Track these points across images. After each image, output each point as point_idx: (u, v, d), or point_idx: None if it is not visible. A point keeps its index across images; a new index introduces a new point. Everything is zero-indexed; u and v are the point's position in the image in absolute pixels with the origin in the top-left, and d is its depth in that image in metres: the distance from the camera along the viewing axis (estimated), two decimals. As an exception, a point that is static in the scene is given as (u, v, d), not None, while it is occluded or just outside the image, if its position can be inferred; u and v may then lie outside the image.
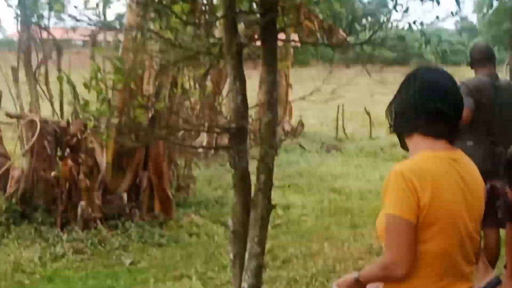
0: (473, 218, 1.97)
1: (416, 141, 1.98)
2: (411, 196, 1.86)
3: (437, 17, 4.41)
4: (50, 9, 6.03)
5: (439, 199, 1.89)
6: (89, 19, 5.22)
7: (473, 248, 1.99)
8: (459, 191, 1.94)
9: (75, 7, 5.57)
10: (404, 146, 2.10)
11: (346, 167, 9.73)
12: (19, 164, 5.94)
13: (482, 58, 4.69)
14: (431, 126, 1.96)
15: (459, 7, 4.53)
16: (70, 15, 5.11)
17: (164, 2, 4.61)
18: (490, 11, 11.03)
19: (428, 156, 1.94)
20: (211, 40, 4.60)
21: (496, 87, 4.37)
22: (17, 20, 6.18)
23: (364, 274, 2.06)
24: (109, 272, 4.88)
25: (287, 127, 11.77)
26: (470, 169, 2.03)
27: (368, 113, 12.28)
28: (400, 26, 4.23)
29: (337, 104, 11.67)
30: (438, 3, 4.00)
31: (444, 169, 1.95)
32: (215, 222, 6.39)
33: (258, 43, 3.79)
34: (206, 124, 6.96)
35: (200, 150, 8.90)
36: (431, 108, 1.93)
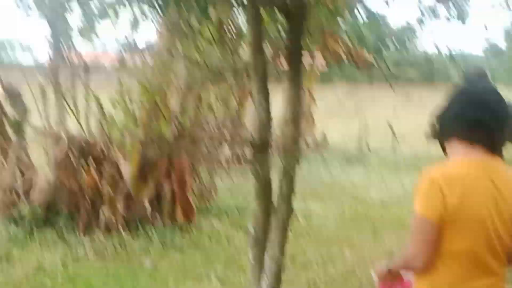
0: (503, 221, 2.01)
1: (453, 146, 2.06)
2: (436, 199, 1.94)
3: (463, 41, 4.62)
4: (81, 35, 6.12)
5: (468, 201, 1.96)
6: (118, 43, 5.56)
7: (503, 248, 2.04)
8: (489, 195, 1.99)
9: (105, 33, 6.03)
10: (445, 152, 2.17)
11: (367, 178, 9.82)
12: (45, 174, 6.11)
13: None
14: (469, 133, 2.02)
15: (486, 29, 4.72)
16: (100, 40, 5.59)
17: (188, 23, 4.90)
18: None
19: (462, 161, 2.02)
20: (237, 60, 4.94)
21: None
22: (49, 45, 6.44)
23: (393, 263, 2.22)
24: (130, 274, 4.97)
25: (310, 141, 11.97)
26: (506, 177, 2.07)
27: (391, 127, 12.43)
28: (428, 48, 4.53)
29: (360, 119, 11.87)
30: (464, 22, 4.37)
31: (476, 174, 2.01)
32: (235, 227, 6.46)
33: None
34: (229, 137, 7.22)
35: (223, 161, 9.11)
36: (470, 116, 2.00)
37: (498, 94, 2.08)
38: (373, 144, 13.34)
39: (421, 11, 4.34)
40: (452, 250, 1.99)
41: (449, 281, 2.03)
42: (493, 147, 2.05)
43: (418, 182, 2.02)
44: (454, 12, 4.19)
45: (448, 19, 4.23)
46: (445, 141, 2.09)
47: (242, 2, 3.97)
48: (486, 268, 2.03)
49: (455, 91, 2.17)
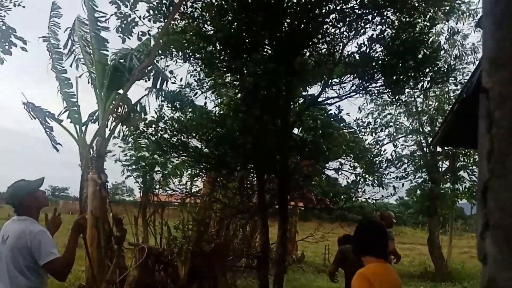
0: None
1: (367, 259, 2.62)
2: (367, 285, 2.47)
3: (382, 196, 5.80)
4: (160, 186, 7.74)
5: (383, 286, 2.54)
6: (180, 190, 7.49)
7: None
8: (393, 281, 2.65)
9: (173, 183, 7.54)
10: (360, 261, 2.69)
11: (330, 283, 11.03)
12: (132, 273, 6.64)
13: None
14: (376, 252, 2.63)
15: (395, 191, 5.80)
16: (171, 189, 7.22)
17: (223, 180, 6.73)
18: (418, 193, 14.29)
19: (376, 265, 2.58)
20: (250, 203, 6.26)
21: None
22: (140, 190, 7.96)
23: None
24: None
25: (293, 257, 13.70)
26: (393, 271, 2.77)
27: None
28: (363, 199, 5.77)
29: (325, 244, 13.85)
30: (383, 187, 5.53)
31: (385, 271, 2.63)
32: None
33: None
34: (245, 252, 8.36)
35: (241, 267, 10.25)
36: (375, 243, 2.65)
37: (384, 227, 2.84)
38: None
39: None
40: None
41: None
42: (385, 257, 2.75)
43: (355, 276, 2.57)
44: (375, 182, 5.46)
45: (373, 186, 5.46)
46: (362, 256, 2.65)
47: (254, 169, 5.36)
48: None
49: (360, 225, 2.86)
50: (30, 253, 2.87)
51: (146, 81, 7.54)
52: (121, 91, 7.75)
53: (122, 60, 7.61)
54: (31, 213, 3.04)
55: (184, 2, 4.57)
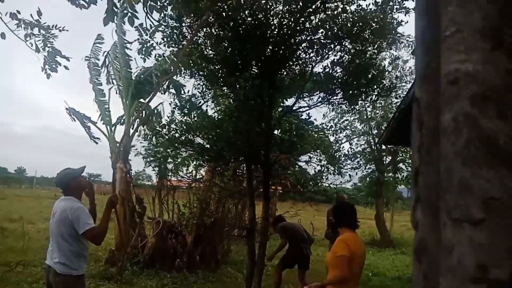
0: (364, 258, 2.69)
1: (343, 230, 2.70)
2: (346, 247, 2.53)
3: (340, 182, 5.87)
4: (172, 173, 7.79)
5: (355, 249, 2.57)
6: (188, 177, 7.51)
7: (361, 271, 2.66)
8: (361, 247, 2.66)
9: (182, 171, 7.59)
10: (335, 232, 2.76)
11: None
12: (151, 241, 7.02)
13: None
14: (348, 224, 2.71)
15: (351, 178, 5.99)
16: (180, 176, 7.36)
17: (220, 169, 6.72)
18: (368, 180, 14.43)
19: (350, 234, 2.67)
20: (241, 187, 6.51)
21: None
22: (157, 176, 7.97)
23: (327, 282, 2.58)
24: None
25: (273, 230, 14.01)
26: (360, 239, 2.78)
27: (312, 224, 14.42)
28: (326, 185, 5.78)
29: (298, 218, 13.86)
30: (341, 175, 5.56)
31: (355, 238, 2.66)
32: (239, 271, 7.16)
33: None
34: (237, 224, 8.46)
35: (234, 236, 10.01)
36: (349, 218, 2.72)
37: (353, 206, 2.90)
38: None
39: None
40: (352, 271, 2.55)
41: (351, 285, 2.58)
42: (355, 228, 2.77)
43: (336, 243, 2.61)
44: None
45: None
46: (339, 228, 2.74)
47: (244, 161, 5.24)
48: (358, 279, 2.68)
49: (337, 206, 3.02)
50: (71, 225, 2.87)
51: (162, 93, 7.49)
52: (142, 100, 7.68)
53: (142, 76, 7.54)
54: (74, 193, 3.03)
55: (192, 32, 4.54)
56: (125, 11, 3.97)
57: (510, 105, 0.43)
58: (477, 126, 0.44)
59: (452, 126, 0.46)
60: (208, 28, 4.58)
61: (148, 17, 4.31)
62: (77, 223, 2.84)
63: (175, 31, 4.71)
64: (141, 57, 5.53)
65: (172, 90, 7.77)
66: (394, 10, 4.37)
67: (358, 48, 4.63)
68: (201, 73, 4.95)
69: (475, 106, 0.44)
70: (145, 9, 4.10)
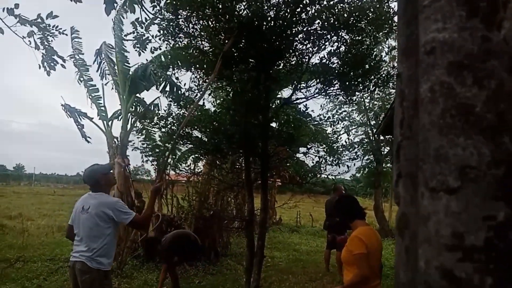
0: (381, 252, 2.54)
1: (356, 223, 2.57)
2: (363, 244, 2.40)
3: (339, 173, 5.53)
4: (171, 167, 7.54)
5: (372, 244, 2.43)
6: (186, 170, 7.46)
7: (379, 267, 2.46)
8: (378, 239, 2.53)
9: (181, 165, 7.36)
10: (348, 226, 2.59)
11: (300, 239, 11.04)
12: (151, 234, 6.43)
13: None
14: (360, 215, 2.59)
15: (349, 168, 6.10)
16: (179, 169, 7.06)
17: (218, 162, 6.68)
18: (366, 170, 14.56)
19: (365, 228, 2.51)
20: (240, 179, 6.29)
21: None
22: (155, 171, 7.69)
23: (347, 283, 2.43)
24: (187, 286, 5.87)
25: (273, 220, 13.92)
26: (373, 231, 2.56)
27: (311, 215, 14.58)
28: (325, 176, 5.62)
29: (297, 210, 13.91)
30: (340, 166, 5.33)
31: (371, 232, 2.49)
32: (239, 263, 7.20)
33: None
34: (236, 216, 8.43)
35: (234, 228, 9.75)
36: (358, 209, 2.60)
37: (353, 196, 2.81)
38: (303, 222, 15.20)
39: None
40: (370, 266, 2.44)
41: (371, 282, 2.45)
42: (365, 216, 2.65)
43: (351, 238, 2.48)
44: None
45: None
46: (350, 222, 2.59)
47: (242, 153, 5.20)
48: (378, 271, 2.54)
49: (341, 198, 2.81)
50: (111, 220, 2.89)
51: (157, 88, 7.46)
52: (138, 95, 7.65)
53: (139, 71, 7.51)
54: (105, 189, 3.05)
55: (187, 24, 4.50)
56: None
57: (487, 72, 0.42)
58: (453, 94, 0.43)
59: (428, 96, 0.45)
60: (204, 21, 4.53)
61: (143, 10, 4.27)
62: (121, 215, 2.88)
63: (171, 23, 4.67)
64: (136, 51, 5.50)
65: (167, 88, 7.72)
66: (391, 0, 4.33)
67: (355, 38, 4.60)
68: (197, 66, 4.91)
69: (451, 74, 0.43)
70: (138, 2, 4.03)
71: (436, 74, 0.45)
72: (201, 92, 5.00)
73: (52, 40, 6.59)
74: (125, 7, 3.85)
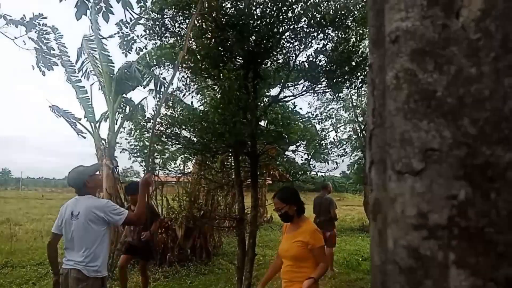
0: None
1: (303, 217, 2.70)
2: (322, 237, 2.49)
3: (328, 170, 5.73)
4: (161, 168, 7.63)
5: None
6: (175, 171, 7.44)
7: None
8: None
9: (170, 165, 7.15)
10: (292, 218, 2.65)
11: None
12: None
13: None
14: (303, 210, 2.71)
15: (337, 165, 6.40)
16: (169, 170, 7.15)
17: (208, 162, 6.67)
18: (355, 167, 14.66)
19: (310, 219, 2.67)
20: (230, 178, 6.43)
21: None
22: (144, 172, 7.81)
23: (316, 275, 2.44)
24: (179, 287, 5.84)
25: (264, 219, 13.99)
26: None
27: None
28: (314, 173, 5.74)
29: None
30: (328, 163, 5.53)
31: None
32: (231, 263, 7.18)
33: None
34: (227, 216, 8.47)
35: (225, 227, 9.71)
36: (302, 204, 2.71)
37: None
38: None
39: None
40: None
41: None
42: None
43: (314, 233, 2.52)
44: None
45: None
46: (297, 216, 2.68)
47: (231, 152, 5.25)
48: None
49: (291, 189, 2.82)
50: (104, 222, 2.82)
51: (143, 88, 7.40)
52: (125, 95, 7.60)
53: (126, 70, 7.44)
54: (92, 192, 2.95)
55: (172, 23, 4.48)
56: (99, 6, 3.86)
57: (447, 58, 0.44)
58: (416, 81, 0.45)
59: (394, 83, 0.47)
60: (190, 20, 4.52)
61: (127, 10, 4.24)
62: (114, 217, 2.82)
63: (157, 23, 4.65)
64: (122, 52, 5.45)
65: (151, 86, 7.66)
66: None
67: (341, 36, 4.64)
68: (184, 65, 4.89)
69: (414, 61, 0.45)
70: (121, 3, 4.00)
71: (400, 62, 0.46)
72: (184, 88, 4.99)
73: (49, 40, 6.48)
74: (97, 15, 3.79)
